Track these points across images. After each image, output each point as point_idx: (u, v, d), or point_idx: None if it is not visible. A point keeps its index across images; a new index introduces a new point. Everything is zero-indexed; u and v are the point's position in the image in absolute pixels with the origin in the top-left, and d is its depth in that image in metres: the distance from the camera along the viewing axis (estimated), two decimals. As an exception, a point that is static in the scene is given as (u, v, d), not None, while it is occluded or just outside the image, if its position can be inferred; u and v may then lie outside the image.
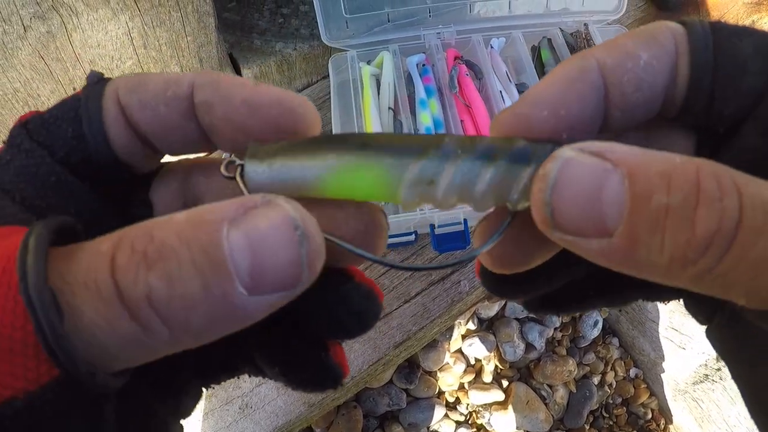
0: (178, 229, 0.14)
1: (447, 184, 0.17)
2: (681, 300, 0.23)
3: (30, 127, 0.18)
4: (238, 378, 0.22)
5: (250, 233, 0.14)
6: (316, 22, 0.70)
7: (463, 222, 0.64)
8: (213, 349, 0.19)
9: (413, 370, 1.08)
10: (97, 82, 0.19)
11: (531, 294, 0.24)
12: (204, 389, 0.22)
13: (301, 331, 0.20)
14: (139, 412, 0.19)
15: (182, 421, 0.22)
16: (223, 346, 0.18)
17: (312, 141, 0.18)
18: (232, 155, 0.18)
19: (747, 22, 0.91)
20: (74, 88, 0.59)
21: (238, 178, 0.17)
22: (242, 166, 0.17)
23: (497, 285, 0.23)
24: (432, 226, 0.64)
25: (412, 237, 0.67)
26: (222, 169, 0.18)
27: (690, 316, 0.23)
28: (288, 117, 0.18)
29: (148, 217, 0.16)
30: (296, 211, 0.15)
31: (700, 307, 0.22)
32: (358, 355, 0.69)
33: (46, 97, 0.58)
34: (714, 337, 0.22)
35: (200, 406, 0.70)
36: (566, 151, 0.16)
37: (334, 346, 0.20)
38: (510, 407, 1.09)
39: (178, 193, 0.20)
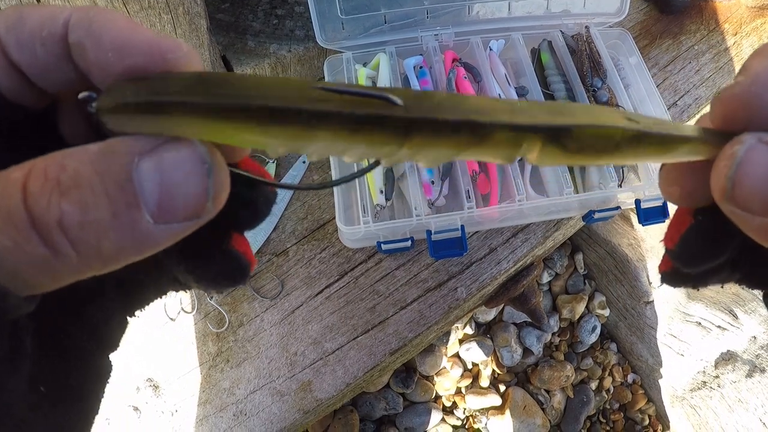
0: (92, 159, 0.15)
1: (317, 152, 0.17)
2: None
3: None
4: (166, 299, 0.22)
5: (160, 166, 0.15)
6: (311, 23, 0.69)
7: (460, 228, 0.62)
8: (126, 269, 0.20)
9: (410, 374, 1.07)
10: None
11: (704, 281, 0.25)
12: (129, 317, 0.23)
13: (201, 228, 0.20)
14: (59, 344, 0.20)
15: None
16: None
17: (174, 92, 0.16)
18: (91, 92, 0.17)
19: (750, 27, 0.89)
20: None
21: (99, 116, 0.17)
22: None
23: (680, 279, 0.25)
24: (429, 233, 0.63)
25: (408, 243, 0.65)
26: (84, 105, 0.17)
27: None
28: (159, 65, 0.17)
29: None
30: (204, 146, 0.16)
31: None
32: (354, 362, 0.68)
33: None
34: None
35: (193, 413, 0.70)
36: (750, 138, 0.18)
37: (236, 237, 0.21)
38: (507, 412, 1.08)
39: (83, 122, 0.20)
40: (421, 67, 0.71)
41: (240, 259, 0.20)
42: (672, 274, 0.25)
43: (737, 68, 0.90)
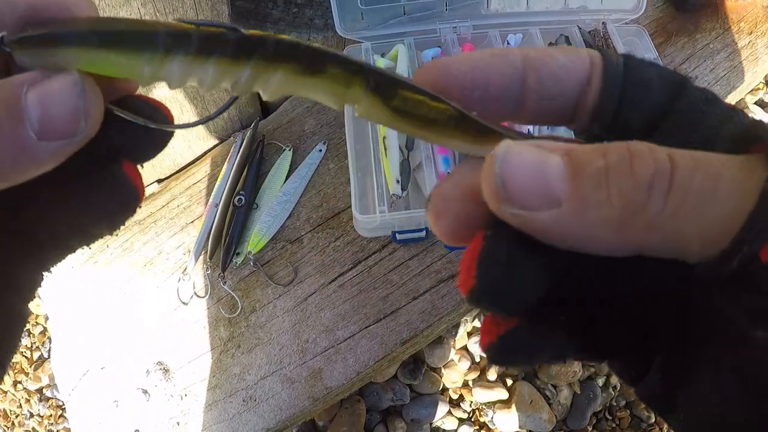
0: None
1: (177, 76, 0.20)
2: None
3: None
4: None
5: (43, 91, 0.18)
6: (331, 13, 0.69)
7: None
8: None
9: (418, 365, 1.07)
10: None
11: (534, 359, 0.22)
12: (43, 272, 0.23)
13: (97, 153, 0.22)
14: None
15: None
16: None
17: (66, 32, 0.19)
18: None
19: (765, 27, 0.89)
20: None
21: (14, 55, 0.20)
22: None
23: (509, 352, 0.22)
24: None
25: (423, 233, 0.66)
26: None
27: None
28: (65, 14, 0.20)
29: None
30: (81, 76, 0.19)
31: (631, 365, 0.22)
32: (365, 350, 0.69)
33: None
34: (645, 395, 0.22)
35: (203, 398, 0.70)
36: (507, 142, 0.18)
37: (128, 165, 0.23)
38: (513, 406, 1.08)
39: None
40: (438, 59, 0.71)
41: (127, 182, 0.22)
42: (499, 348, 0.21)
43: (751, 68, 0.89)
